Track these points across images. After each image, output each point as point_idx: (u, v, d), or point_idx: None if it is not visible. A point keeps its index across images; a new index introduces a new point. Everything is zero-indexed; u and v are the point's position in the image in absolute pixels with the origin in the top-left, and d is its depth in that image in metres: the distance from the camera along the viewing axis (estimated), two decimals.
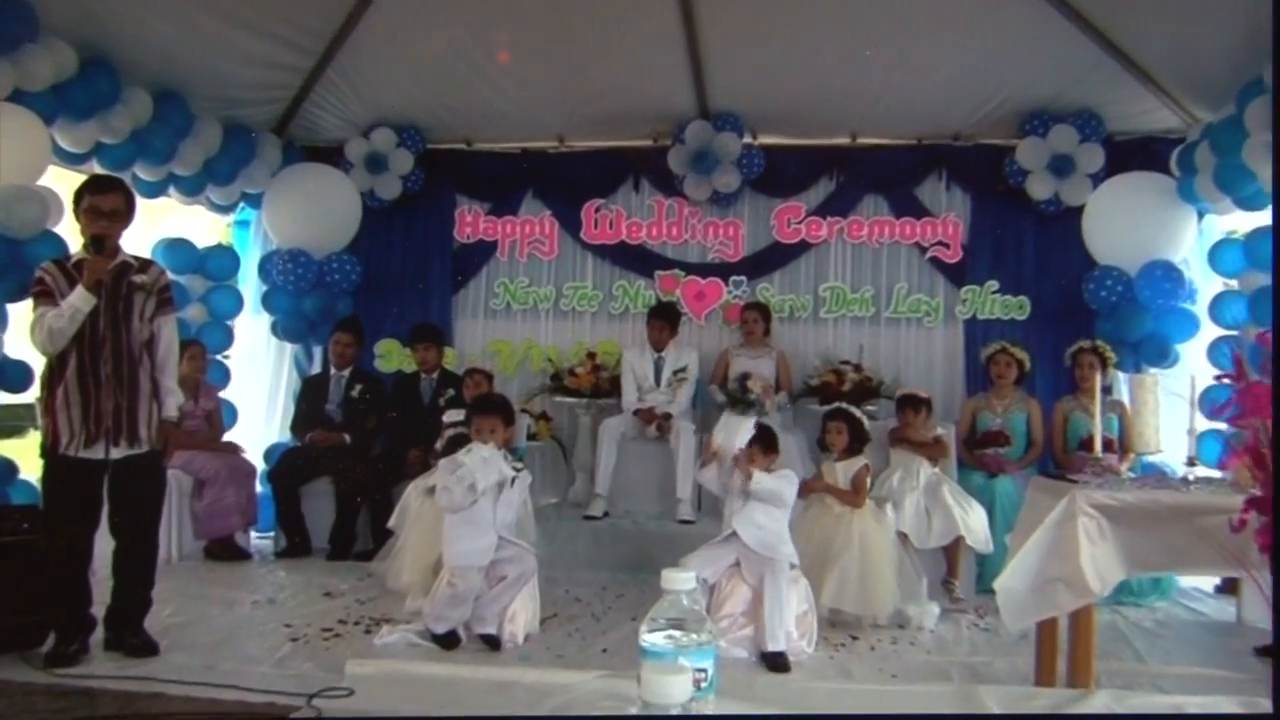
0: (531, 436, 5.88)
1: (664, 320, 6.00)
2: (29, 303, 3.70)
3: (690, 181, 6.44)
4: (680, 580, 1.44)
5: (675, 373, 5.98)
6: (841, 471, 4.52)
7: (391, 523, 4.82)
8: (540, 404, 6.40)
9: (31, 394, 4.47)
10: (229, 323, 6.51)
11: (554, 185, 6.80)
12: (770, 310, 6.28)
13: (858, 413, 4.66)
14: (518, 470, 4.02)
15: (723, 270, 6.65)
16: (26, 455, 4.57)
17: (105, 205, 3.66)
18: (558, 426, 6.40)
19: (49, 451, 3.62)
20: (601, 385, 6.20)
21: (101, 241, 3.62)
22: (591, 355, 6.39)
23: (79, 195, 3.70)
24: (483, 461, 3.87)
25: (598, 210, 6.75)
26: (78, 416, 3.55)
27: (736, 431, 4.09)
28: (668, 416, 5.80)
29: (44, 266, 3.69)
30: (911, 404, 5.04)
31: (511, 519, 4.04)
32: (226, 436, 5.98)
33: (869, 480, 4.53)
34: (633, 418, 5.87)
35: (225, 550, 5.51)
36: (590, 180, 6.76)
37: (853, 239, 6.56)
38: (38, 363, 3.94)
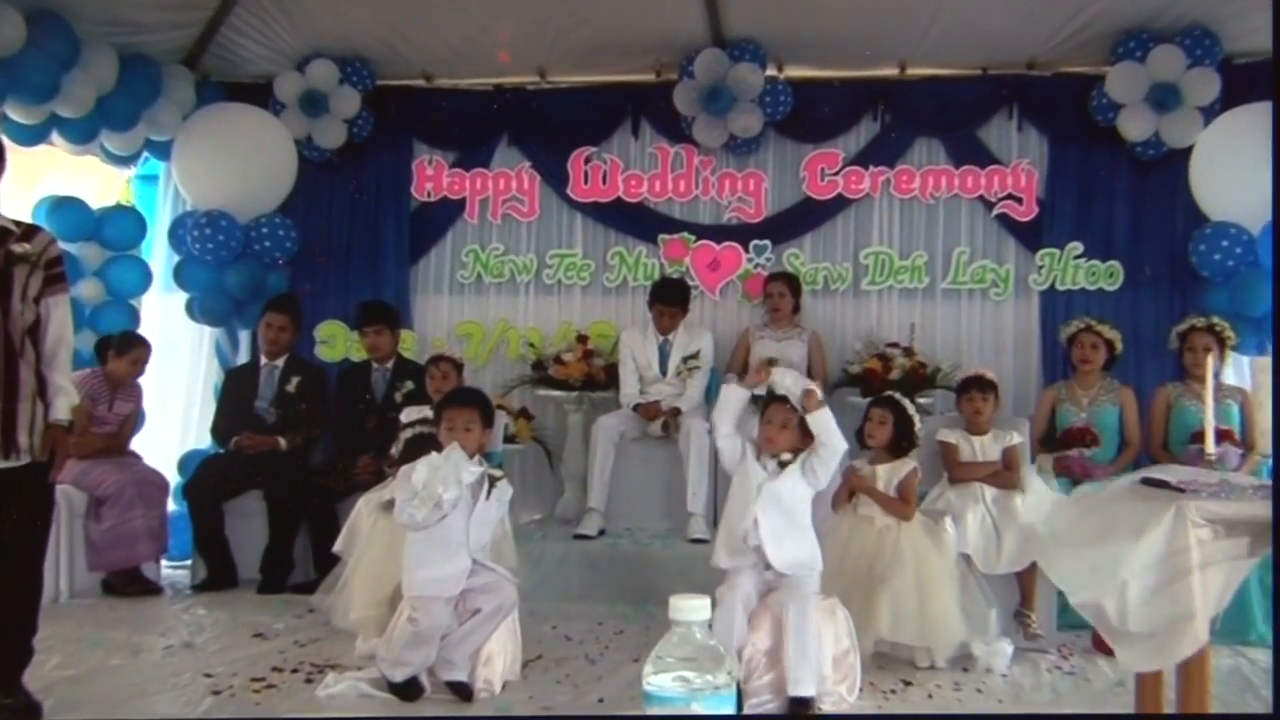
0: (510, 439, 5.87)
1: (670, 304, 5.99)
2: None
3: (701, 124, 6.41)
4: (692, 609, 1.42)
5: (685, 359, 5.98)
6: (885, 476, 4.48)
7: (337, 546, 4.78)
8: (520, 399, 6.40)
9: None
10: (132, 302, 6.48)
11: (534, 130, 6.79)
12: (800, 282, 6.30)
13: (909, 405, 4.60)
14: (495, 479, 3.97)
15: (742, 233, 6.66)
16: None
17: None
18: (541, 426, 6.38)
19: None
20: (595, 375, 6.22)
21: None
22: (582, 339, 6.39)
23: None
24: (452, 467, 3.82)
25: (588, 161, 6.75)
26: None
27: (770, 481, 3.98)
28: (676, 413, 5.80)
29: None
30: (978, 388, 4.96)
31: (487, 539, 4.00)
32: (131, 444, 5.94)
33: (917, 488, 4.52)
34: (633, 414, 5.87)
35: (129, 584, 5.45)
36: (578, 124, 6.75)
37: (901, 193, 6.54)
38: None
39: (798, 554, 3.87)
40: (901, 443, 4.53)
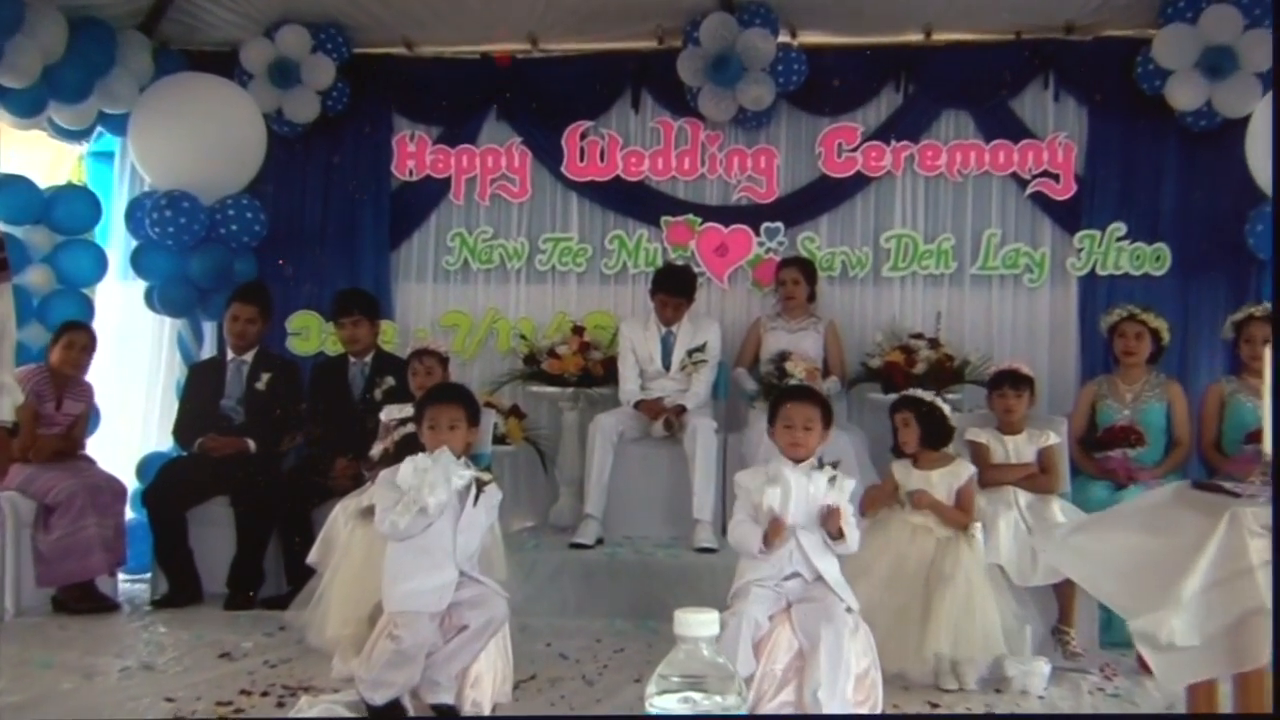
0: (499, 439, 5.85)
1: (675, 295, 5.98)
2: None
3: (707, 96, 6.41)
4: (699, 625, 1.44)
5: (690, 353, 5.99)
6: (939, 483, 4.47)
7: (312, 557, 4.78)
8: (511, 396, 6.40)
9: None
10: (86, 291, 6.46)
11: (525, 103, 6.80)
12: (816, 268, 6.30)
13: (929, 397, 4.59)
14: (484, 483, 3.94)
15: (752, 215, 6.67)
16: None
17: None
18: (534, 425, 6.38)
19: None
20: (592, 370, 6.24)
21: None
22: (578, 330, 6.41)
23: None
24: (442, 470, 3.81)
25: (584, 136, 6.76)
26: None
27: (799, 488, 3.94)
28: (681, 410, 5.82)
29: None
30: (1010, 383, 4.94)
31: (475, 548, 3.97)
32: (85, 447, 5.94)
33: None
34: (634, 413, 5.90)
35: (83, 599, 5.42)
36: (574, 96, 6.77)
37: (926, 170, 6.55)
38: None
39: (835, 569, 3.86)
40: (936, 437, 4.50)
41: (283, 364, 6.15)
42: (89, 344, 5.74)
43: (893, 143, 6.52)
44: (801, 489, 3.82)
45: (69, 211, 6.37)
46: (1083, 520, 4.17)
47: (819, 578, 3.83)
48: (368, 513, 4.20)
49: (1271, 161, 5.06)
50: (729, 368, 6.19)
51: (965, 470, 4.45)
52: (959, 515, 4.40)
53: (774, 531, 3.81)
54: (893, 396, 4.93)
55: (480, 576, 3.94)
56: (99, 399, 6.19)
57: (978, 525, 4.56)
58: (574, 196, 6.79)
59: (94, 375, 6.26)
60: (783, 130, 6.66)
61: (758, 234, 6.61)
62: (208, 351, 6.55)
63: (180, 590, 5.56)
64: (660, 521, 5.79)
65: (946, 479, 4.43)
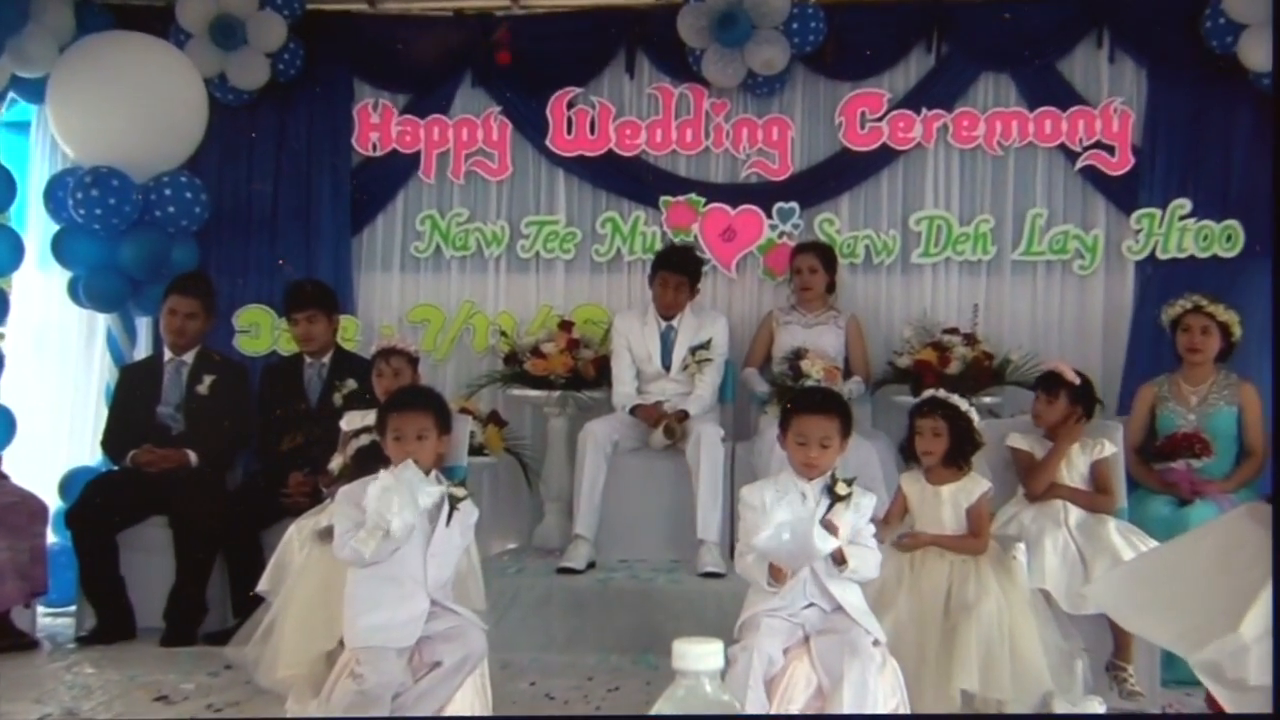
0: (476, 450, 5.81)
1: (677, 272, 6.02)
2: None
3: (713, 59, 6.42)
4: (701, 656, 1.47)
5: (693, 350, 6.02)
6: (949, 500, 4.42)
7: (262, 585, 4.74)
8: (490, 400, 6.41)
9: None
10: (1, 283, 6.43)
11: (505, 67, 6.76)
12: (836, 254, 6.32)
13: (962, 404, 4.55)
14: (457, 499, 3.93)
15: (763, 194, 6.68)
16: None
17: None
18: (516, 434, 6.36)
19: None
20: (582, 371, 6.26)
21: None
22: (566, 326, 6.43)
23: None
24: (406, 488, 3.77)
25: (572, 105, 6.77)
26: None
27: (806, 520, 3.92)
28: (683, 416, 5.84)
29: None
30: (1043, 385, 4.90)
31: (449, 575, 3.97)
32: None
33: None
34: (630, 419, 5.93)
35: (1, 635, 5.39)
36: (560, 59, 6.78)
37: (961, 143, 6.56)
38: None
39: (857, 597, 3.84)
40: (962, 450, 4.46)
41: (228, 365, 6.13)
42: None
43: (923, 111, 6.51)
44: (810, 512, 3.78)
45: None
46: (1138, 563, 4.14)
47: (839, 607, 3.80)
48: (326, 534, 4.16)
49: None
50: (737, 367, 6.20)
51: (978, 487, 4.37)
52: (965, 542, 4.32)
53: (775, 575, 3.80)
54: (923, 397, 4.87)
55: (455, 606, 3.92)
56: (14, 404, 6.18)
57: (1020, 546, 4.53)
58: (560, 174, 6.81)
59: (8, 379, 6.27)
60: (798, 98, 6.67)
61: (770, 216, 6.62)
62: (142, 351, 6.54)
63: (110, 624, 5.53)
64: (660, 543, 5.80)
65: (956, 496, 4.37)
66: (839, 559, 3.75)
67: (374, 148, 6.83)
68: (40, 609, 5.76)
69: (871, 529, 3.88)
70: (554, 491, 6.16)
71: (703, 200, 6.65)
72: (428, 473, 3.86)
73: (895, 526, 4.45)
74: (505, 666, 4.50)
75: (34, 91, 6.53)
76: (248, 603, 4.90)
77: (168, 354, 6.00)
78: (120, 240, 6.33)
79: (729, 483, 5.62)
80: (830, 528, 3.74)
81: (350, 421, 5.00)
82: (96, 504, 5.65)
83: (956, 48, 6.53)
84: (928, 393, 4.72)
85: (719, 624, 4.32)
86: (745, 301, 6.63)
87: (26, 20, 6.19)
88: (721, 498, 5.60)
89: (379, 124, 6.82)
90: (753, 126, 6.65)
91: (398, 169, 6.84)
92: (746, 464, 5.72)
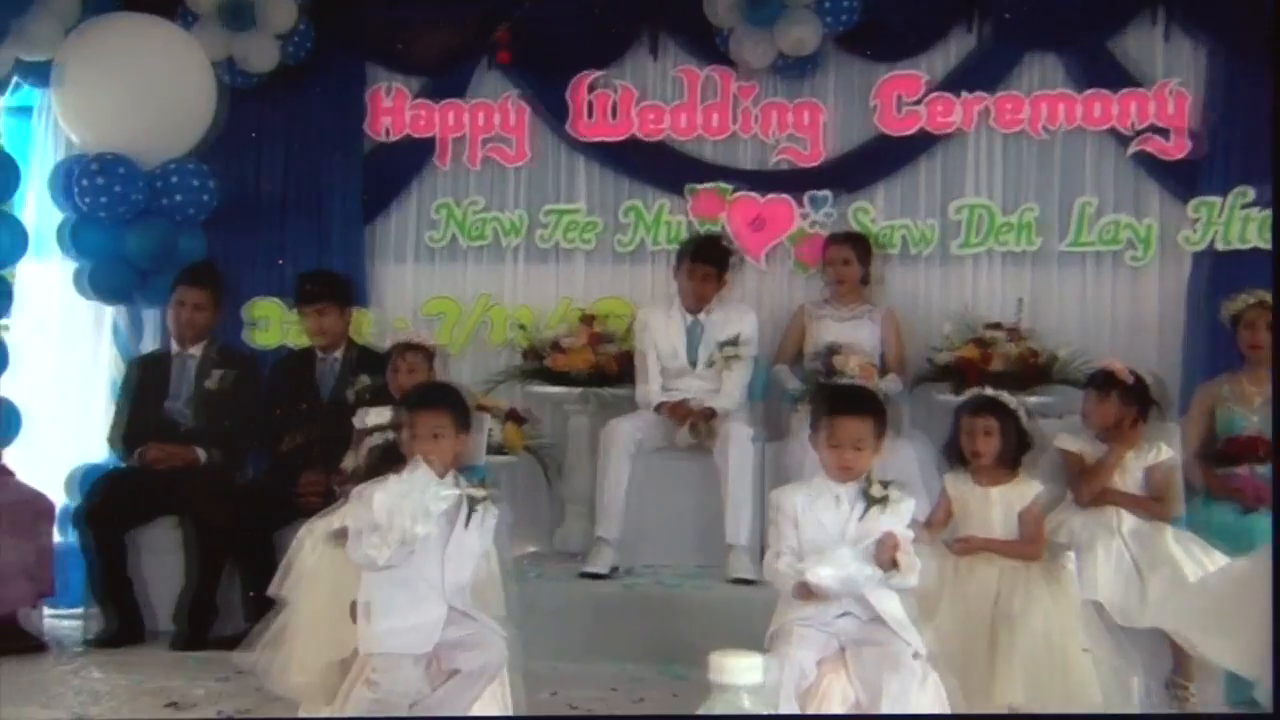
0: (495, 449, 5.80)
1: (704, 263, 6.01)
2: None
3: (741, 39, 6.41)
4: (741, 670, 1.50)
5: (721, 345, 6.01)
6: (999, 502, 4.41)
7: (274, 588, 4.73)
8: (508, 397, 6.37)
9: None
10: (4, 272, 6.38)
11: (523, 49, 6.77)
12: (872, 244, 6.31)
13: (1014, 403, 4.54)
14: (478, 500, 3.93)
15: (795, 181, 6.66)
16: None
17: None
18: (536, 432, 6.32)
19: None
20: (604, 366, 6.26)
21: None
22: (588, 319, 6.43)
23: None
24: (417, 490, 3.78)
25: (593, 89, 6.75)
26: None
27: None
28: (710, 415, 5.83)
29: None
30: (1116, 388, 4.88)
31: (467, 579, 3.96)
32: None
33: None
34: (655, 417, 5.93)
35: (5, 638, 5.42)
36: (580, 40, 6.75)
37: (1005, 127, 6.53)
38: None
39: (896, 605, 3.82)
40: (1014, 451, 4.46)
41: (238, 359, 6.16)
42: None
43: (964, 94, 6.48)
44: (845, 517, 3.82)
45: None
46: (1205, 583, 4.14)
47: (876, 617, 3.79)
48: (339, 536, 4.15)
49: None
50: (767, 364, 6.18)
51: (1031, 489, 4.36)
52: (1022, 549, 4.30)
53: (800, 594, 3.81)
54: (966, 396, 4.86)
55: (473, 612, 3.93)
56: (18, 399, 6.19)
57: (1070, 554, 4.52)
58: (581, 160, 6.80)
59: (12, 372, 6.30)
60: (831, 80, 6.64)
61: (801, 204, 6.60)
62: (149, 344, 6.55)
63: (119, 627, 5.57)
64: (687, 547, 5.79)
65: (1007, 499, 4.35)
66: (889, 566, 3.75)
67: (387, 133, 6.83)
68: (45, 611, 5.78)
69: (911, 535, 3.89)
70: (576, 493, 6.15)
71: (730, 188, 6.63)
72: (445, 473, 3.86)
73: (939, 531, 4.44)
74: (525, 675, 4.49)
75: (38, 75, 6.53)
76: (260, 606, 4.89)
77: (175, 347, 6.03)
78: (126, 229, 6.35)
79: (760, 485, 5.60)
80: (887, 545, 3.74)
81: (363, 419, 5.02)
82: (108, 502, 5.69)
83: (999, 26, 6.47)
84: (973, 391, 4.73)
85: (749, 633, 4.28)
86: (775, 294, 6.59)
87: (31, 2, 6.20)
88: (751, 500, 5.58)
89: (392, 108, 6.82)
90: (783, 110, 6.62)
91: (412, 155, 6.83)
92: (778, 465, 5.70)
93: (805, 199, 6.59)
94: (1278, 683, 3.05)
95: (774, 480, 5.26)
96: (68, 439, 6.59)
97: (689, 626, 5.18)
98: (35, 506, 5.68)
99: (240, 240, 6.75)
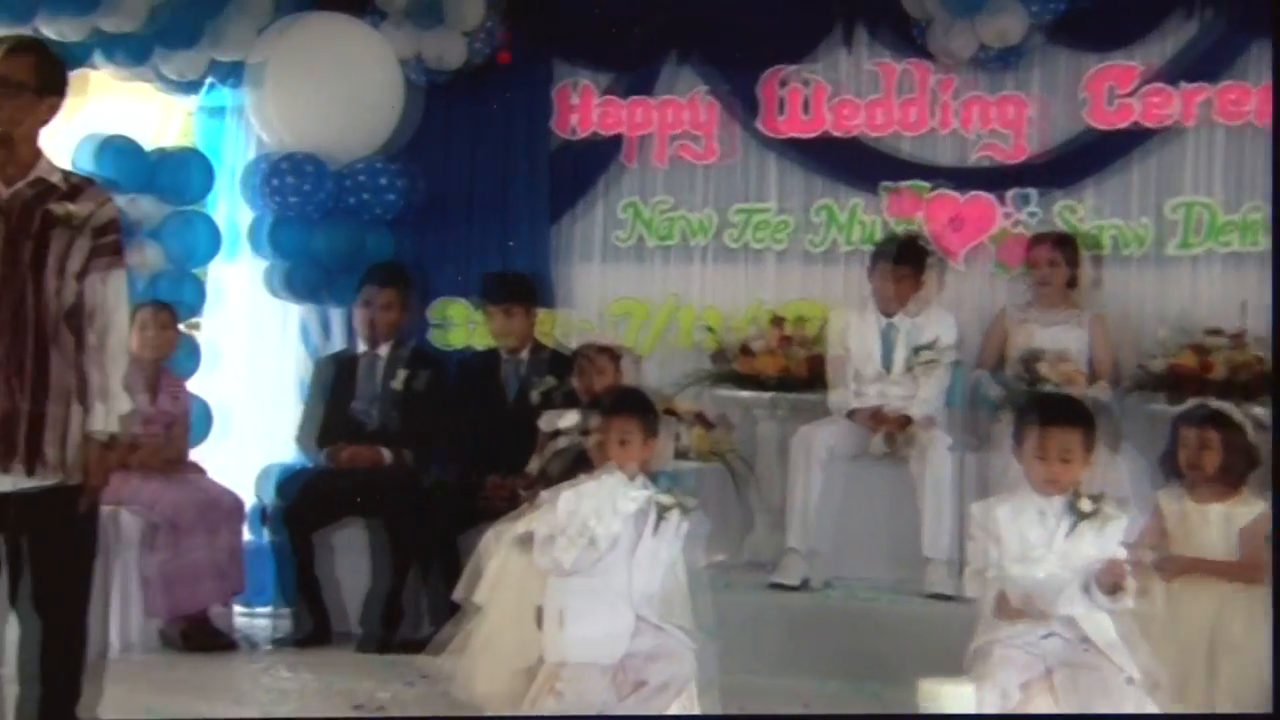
0: (682, 454, 5.81)
1: (901, 263, 5.97)
2: None
3: (941, 30, 6.35)
4: (951, 699, 1.38)
5: (917, 350, 5.95)
6: (1218, 521, 4.27)
7: (459, 592, 4.81)
8: (695, 400, 6.35)
9: None
10: (197, 271, 6.64)
11: (713, 43, 6.79)
12: (1079, 246, 6.17)
13: (1236, 414, 4.38)
14: (666, 506, 3.95)
15: (996, 179, 6.57)
16: None
17: (4, 74, 3.64)
18: (724, 437, 6.28)
19: None
20: (795, 370, 6.21)
21: (3, 143, 3.65)
22: (778, 321, 6.39)
23: None
24: (607, 494, 3.85)
25: (784, 84, 6.72)
26: None
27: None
28: (906, 422, 5.78)
29: None
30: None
31: (655, 588, 4.00)
32: (193, 454, 6.11)
33: None
34: (848, 423, 5.89)
35: (195, 635, 5.61)
36: (772, 33, 6.71)
37: (1228, 119, 6.31)
38: None
39: (1108, 627, 3.74)
40: (1237, 467, 4.30)
41: (426, 359, 6.25)
42: (169, 322, 5.90)
43: (1182, 85, 6.29)
44: (1051, 533, 3.74)
45: (178, 177, 6.56)
46: None
47: (1086, 639, 3.71)
48: (525, 541, 4.19)
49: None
50: (966, 369, 6.07)
51: (1254, 507, 4.22)
52: (1243, 571, 4.17)
53: (1002, 609, 3.75)
54: (1185, 406, 4.73)
55: (661, 623, 3.94)
56: (209, 398, 6.43)
57: None
58: (772, 158, 6.77)
59: (203, 371, 6.52)
60: (1036, 72, 6.51)
61: (1003, 203, 6.49)
62: (337, 344, 6.67)
63: (308, 627, 5.72)
64: (882, 559, 5.74)
65: (1228, 517, 4.24)
66: (1111, 590, 3.65)
67: (573, 131, 6.88)
68: (235, 609, 5.93)
69: (1123, 553, 3.78)
70: (765, 501, 6.10)
71: (928, 186, 6.54)
72: (632, 479, 3.90)
73: (1151, 550, 4.31)
74: (713, 688, 4.48)
75: (231, 75, 6.69)
76: (446, 610, 5.00)
77: (362, 347, 6.15)
78: (314, 228, 6.52)
79: (958, 496, 5.51)
80: (1112, 570, 3.65)
81: (549, 422, 5.05)
82: (303, 502, 5.84)
83: (1223, 11, 6.25)
84: (1194, 401, 4.58)
85: (946, 650, 4.24)
86: (975, 297, 6.47)
87: (224, 3, 6.37)
88: (950, 512, 5.50)
89: (579, 106, 6.88)
90: (984, 105, 6.51)
91: (598, 153, 6.88)
92: (978, 476, 5.56)
93: (1008, 197, 6.48)
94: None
95: (974, 492, 5.17)
96: (257, 438, 6.72)
97: (883, 643, 5.15)
98: (226, 504, 5.83)
99: (426, 239, 6.86)
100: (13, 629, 3.85)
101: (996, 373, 5.98)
